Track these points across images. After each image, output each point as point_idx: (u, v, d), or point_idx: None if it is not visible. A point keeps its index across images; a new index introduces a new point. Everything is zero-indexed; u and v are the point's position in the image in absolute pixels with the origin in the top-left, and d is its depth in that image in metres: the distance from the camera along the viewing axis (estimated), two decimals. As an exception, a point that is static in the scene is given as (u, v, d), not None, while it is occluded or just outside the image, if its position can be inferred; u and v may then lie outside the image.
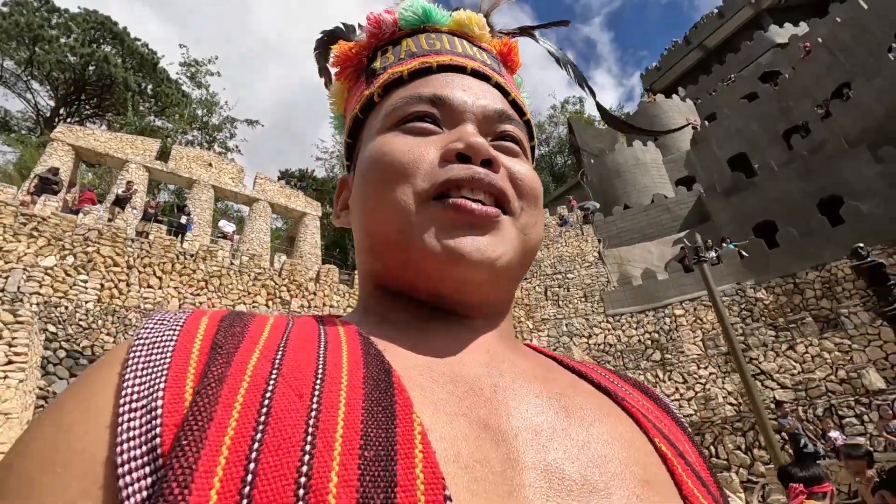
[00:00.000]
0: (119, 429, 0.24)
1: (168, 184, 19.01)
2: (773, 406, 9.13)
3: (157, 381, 0.26)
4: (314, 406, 0.25)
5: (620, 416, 0.36)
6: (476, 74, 0.45)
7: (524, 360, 0.39)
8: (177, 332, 0.30)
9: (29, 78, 26.82)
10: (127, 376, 0.26)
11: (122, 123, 24.25)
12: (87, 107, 30.05)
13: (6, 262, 8.18)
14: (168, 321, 0.31)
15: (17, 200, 9.80)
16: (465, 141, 0.38)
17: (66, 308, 8.20)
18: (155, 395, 0.25)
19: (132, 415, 0.24)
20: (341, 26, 0.56)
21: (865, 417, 8.45)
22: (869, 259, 5.44)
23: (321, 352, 0.31)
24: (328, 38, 0.56)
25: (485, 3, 0.54)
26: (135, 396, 0.25)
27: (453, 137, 0.40)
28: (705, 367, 11.37)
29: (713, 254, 13.77)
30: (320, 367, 0.29)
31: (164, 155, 16.54)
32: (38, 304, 8.02)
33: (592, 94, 0.59)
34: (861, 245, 5.62)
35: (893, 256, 11.00)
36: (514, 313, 13.84)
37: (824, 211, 13.45)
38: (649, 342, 13.39)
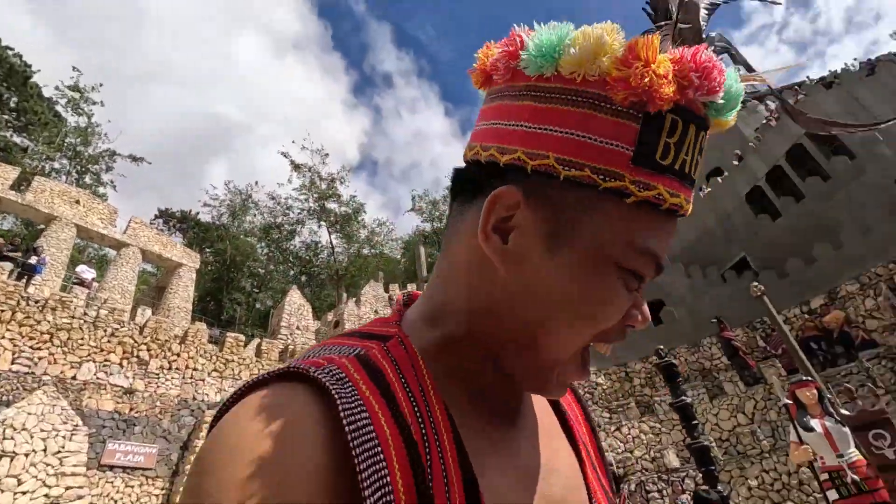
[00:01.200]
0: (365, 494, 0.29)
1: (21, 216, 16.88)
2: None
3: (379, 459, 0.31)
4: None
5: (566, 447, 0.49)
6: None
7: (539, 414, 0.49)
8: (358, 395, 0.34)
9: None
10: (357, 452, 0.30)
11: (-29, 138, 21.27)
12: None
13: None
14: (334, 373, 0.35)
15: None
16: (645, 319, 0.41)
17: None
18: (384, 477, 0.31)
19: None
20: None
21: (664, 492, 10.15)
22: (665, 359, 7.12)
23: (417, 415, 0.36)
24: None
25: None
26: (368, 483, 0.30)
27: (633, 305, 0.39)
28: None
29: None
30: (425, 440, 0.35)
31: (22, 184, 14.90)
32: None
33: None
34: (661, 347, 7.32)
35: (694, 355, 13.76)
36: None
37: (653, 312, 16.27)
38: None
